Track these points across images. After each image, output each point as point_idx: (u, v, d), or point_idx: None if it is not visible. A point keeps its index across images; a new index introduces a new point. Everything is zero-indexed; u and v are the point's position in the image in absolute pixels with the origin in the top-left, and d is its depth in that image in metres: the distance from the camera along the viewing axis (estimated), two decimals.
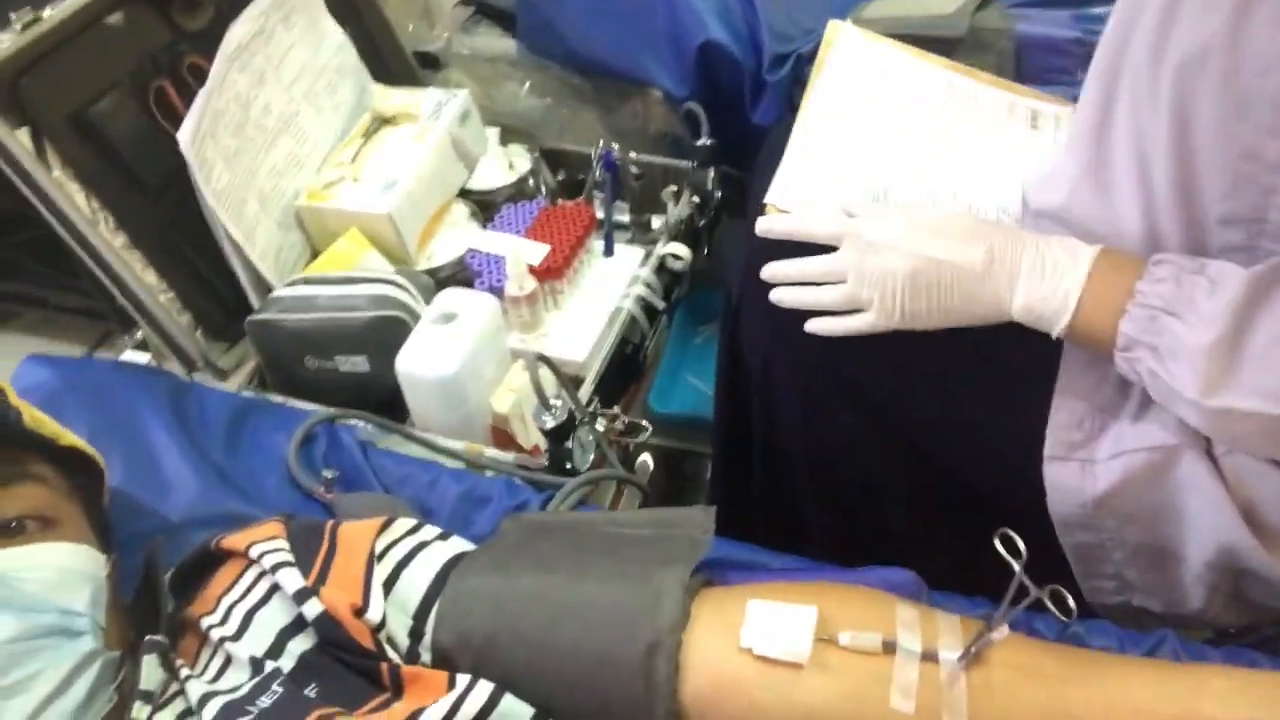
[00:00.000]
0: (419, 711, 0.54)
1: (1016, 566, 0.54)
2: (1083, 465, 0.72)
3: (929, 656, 0.54)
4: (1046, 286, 0.66)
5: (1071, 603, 0.55)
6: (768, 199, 0.86)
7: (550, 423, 0.91)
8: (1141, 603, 0.78)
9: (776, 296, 0.78)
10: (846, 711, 0.54)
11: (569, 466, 0.93)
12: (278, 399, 1.03)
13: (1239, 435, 0.61)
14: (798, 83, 1.23)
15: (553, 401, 0.92)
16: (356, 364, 1.03)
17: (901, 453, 0.83)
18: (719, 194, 1.28)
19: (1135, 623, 0.75)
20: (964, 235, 0.69)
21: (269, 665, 0.59)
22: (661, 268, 1.21)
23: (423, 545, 0.65)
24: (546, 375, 0.94)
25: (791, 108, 1.22)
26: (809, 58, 1.20)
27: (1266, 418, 0.58)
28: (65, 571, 0.59)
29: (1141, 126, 0.65)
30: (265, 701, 0.55)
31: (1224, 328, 0.59)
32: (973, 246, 0.68)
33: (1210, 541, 0.69)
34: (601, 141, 1.22)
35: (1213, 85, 0.59)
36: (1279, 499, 0.66)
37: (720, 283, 1.39)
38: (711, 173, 1.25)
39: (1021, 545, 0.55)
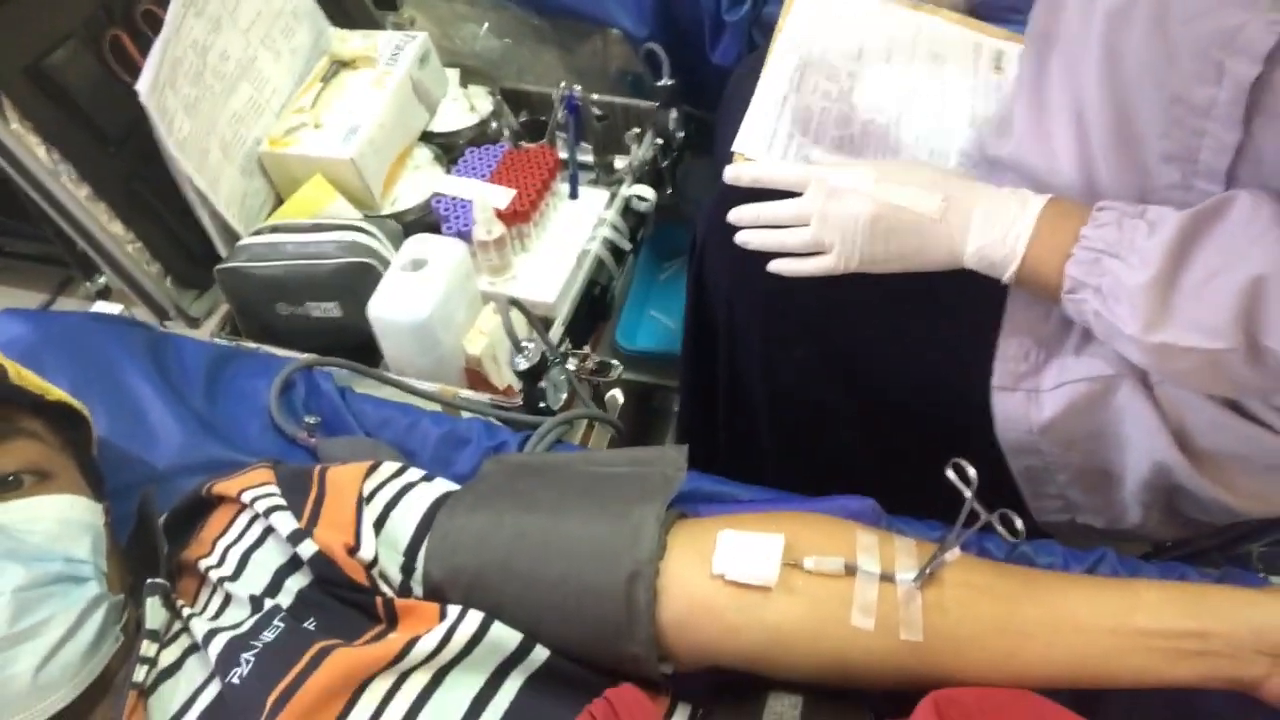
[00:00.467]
0: (414, 640, 0.58)
1: (968, 494, 0.58)
2: (1029, 395, 0.76)
3: (887, 578, 0.59)
4: (997, 234, 0.69)
5: (1020, 524, 0.59)
6: (735, 147, 0.88)
7: (524, 364, 0.94)
8: (1085, 520, 0.83)
9: (742, 239, 0.80)
10: (811, 630, 0.58)
11: (543, 406, 0.96)
12: (251, 345, 1.04)
13: (1179, 370, 0.65)
14: (757, 22, 1.23)
15: (525, 343, 0.94)
16: (328, 310, 1.05)
17: (857, 385, 0.87)
18: (681, 134, 1.30)
19: (1079, 540, 0.81)
20: (923, 183, 0.72)
21: (268, 602, 0.62)
22: (627, 209, 1.23)
23: (409, 486, 0.68)
24: (517, 317, 0.96)
25: (751, 47, 1.23)
26: None
27: (1202, 352, 0.62)
28: (66, 522, 0.61)
29: (1076, 73, 0.68)
30: (268, 636, 0.58)
31: (1160, 266, 0.62)
32: (931, 194, 0.71)
33: (1146, 462, 0.75)
34: (563, 83, 1.22)
35: (1140, 32, 0.62)
36: (1208, 424, 0.71)
37: (685, 219, 1.42)
38: (674, 113, 1.27)
39: (973, 473, 0.59)
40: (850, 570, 0.59)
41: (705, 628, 0.59)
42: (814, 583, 0.59)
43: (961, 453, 0.58)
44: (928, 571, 0.58)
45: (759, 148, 0.87)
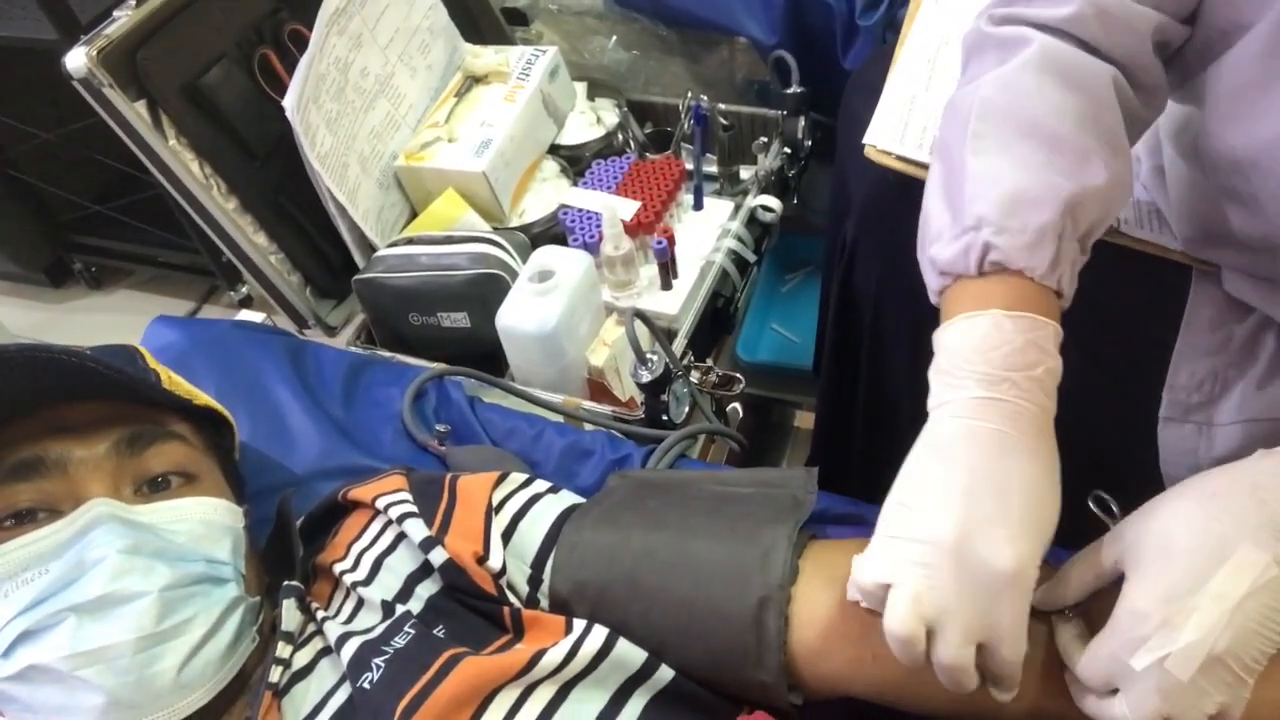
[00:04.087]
0: (541, 652, 0.57)
1: (1111, 525, 0.55)
2: (1199, 428, 0.70)
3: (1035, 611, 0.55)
4: None
5: None
6: (867, 139, 0.85)
7: (647, 377, 0.93)
8: None
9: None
10: None
11: (665, 419, 0.95)
12: (385, 354, 1.07)
13: None
14: (890, 25, 1.20)
15: (648, 355, 0.94)
16: (457, 320, 1.07)
17: None
18: (809, 143, 1.27)
19: None
20: None
21: (399, 608, 0.63)
22: (752, 220, 1.21)
23: (536, 498, 0.69)
24: (641, 329, 0.96)
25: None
26: (903, 0, 1.18)
27: None
28: (209, 524, 0.63)
29: None
30: (399, 642, 0.59)
31: None
32: None
33: None
34: (690, 93, 1.21)
35: None
36: None
37: (809, 230, 1.39)
38: (802, 121, 1.24)
39: (1115, 506, 0.55)
40: None
41: (837, 657, 0.57)
42: None
43: (1121, 486, 0.54)
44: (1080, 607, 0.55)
45: (891, 140, 0.84)
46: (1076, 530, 0.60)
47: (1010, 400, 0.51)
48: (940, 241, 0.59)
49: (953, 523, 0.50)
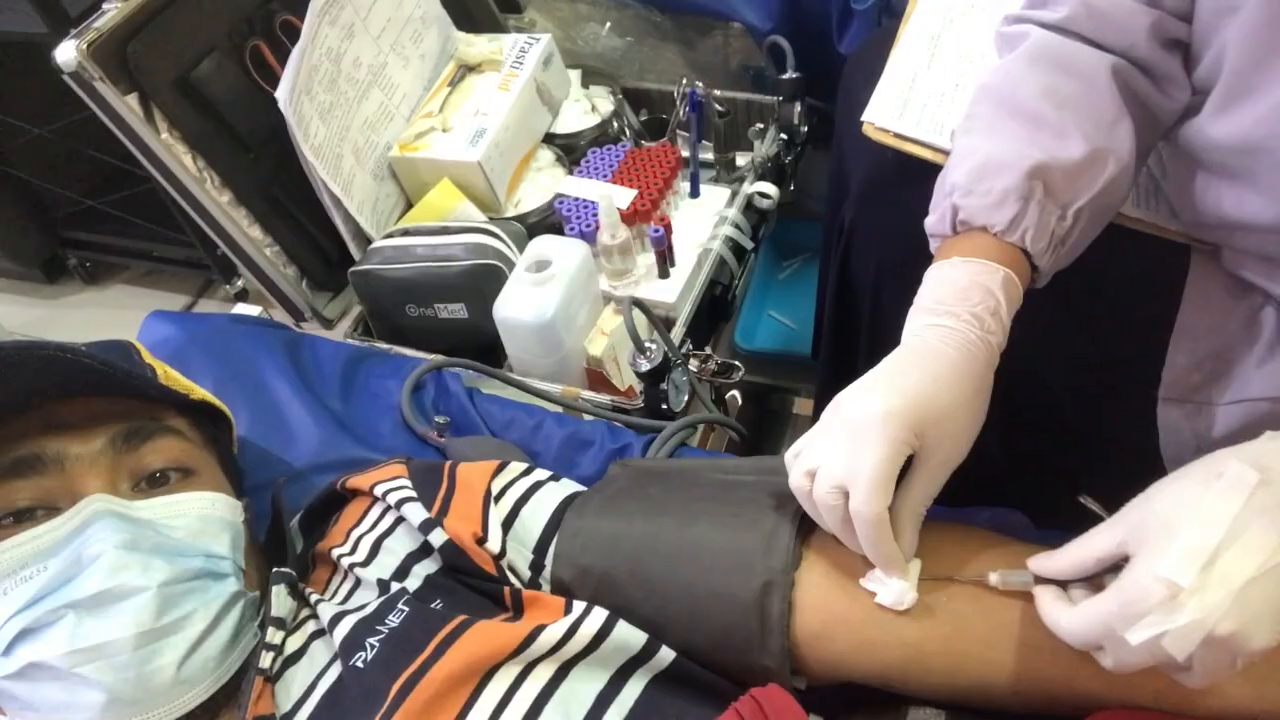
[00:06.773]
0: (540, 627, 0.57)
1: (1106, 518, 0.54)
2: (1199, 408, 0.70)
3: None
4: None
5: None
6: (866, 116, 0.84)
7: (645, 366, 0.93)
8: None
9: None
10: (955, 650, 0.55)
11: (664, 408, 0.95)
12: (383, 346, 1.06)
13: None
14: (886, 9, 1.19)
15: (647, 344, 0.93)
16: (455, 311, 1.06)
17: (1011, 385, 0.82)
18: (805, 129, 1.26)
19: None
20: None
21: (395, 586, 0.63)
22: (748, 206, 1.21)
23: (538, 485, 0.68)
24: (639, 318, 0.95)
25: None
26: None
27: None
28: (207, 519, 0.63)
29: None
30: (394, 620, 0.58)
31: None
32: None
33: None
34: (685, 80, 1.21)
35: None
36: None
37: (806, 216, 1.38)
38: (798, 107, 1.24)
39: (1098, 508, 0.55)
40: (1003, 584, 0.55)
41: (840, 642, 0.57)
42: (959, 600, 0.55)
43: (1120, 468, 0.54)
44: None
45: (890, 118, 0.84)
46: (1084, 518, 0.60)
47: (948, 327, 0.58)
48: (933, 213, 0.67)
49: (847, 392, 0.58)
